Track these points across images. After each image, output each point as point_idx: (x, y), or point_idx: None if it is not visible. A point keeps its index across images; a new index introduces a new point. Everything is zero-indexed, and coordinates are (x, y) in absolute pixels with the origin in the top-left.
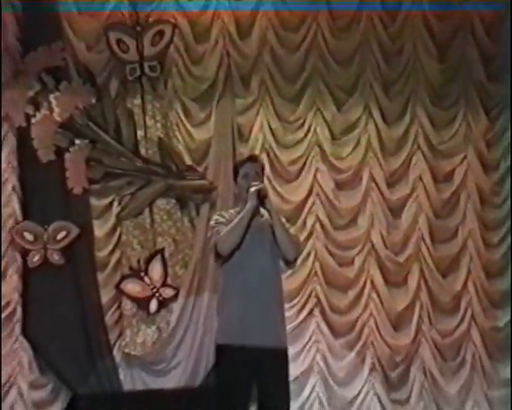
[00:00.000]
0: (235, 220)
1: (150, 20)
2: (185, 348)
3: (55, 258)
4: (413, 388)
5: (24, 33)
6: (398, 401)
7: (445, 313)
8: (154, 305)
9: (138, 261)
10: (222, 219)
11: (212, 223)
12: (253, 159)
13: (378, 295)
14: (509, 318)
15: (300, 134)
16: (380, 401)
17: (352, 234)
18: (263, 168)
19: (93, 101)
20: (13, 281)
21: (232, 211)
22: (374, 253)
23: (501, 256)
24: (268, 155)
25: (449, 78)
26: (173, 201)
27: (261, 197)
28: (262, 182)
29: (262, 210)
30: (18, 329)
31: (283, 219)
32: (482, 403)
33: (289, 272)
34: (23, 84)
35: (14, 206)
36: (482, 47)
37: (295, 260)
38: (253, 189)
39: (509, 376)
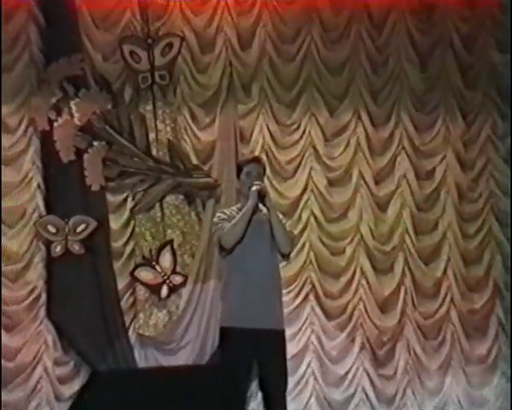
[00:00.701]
0: (238, 217)
1: (160, 33)
2: (193, 330)
3: (76, 248)
4: (398, 364)
5: (47, 46)
6: (385, 376)
7: (427, 297)
8: (164, 291)
9: (150, 251)
10: (224, 216)
11: (215, 220)
12: (256, 160)
13: (367, 282)
14: (484, 300)
15: (296, 136)
16: (369, 377)
17: (343, 226)
18: (264, 169)
19: (109, 107)
20: (38, 269)
21: (234, 208)
22: (363, 243)
23: (477, 245)
24: (267, 155)
25: (430, 85)
26: (181, 197)
27: (261, 196)
28: (263, 180)
29: (261, 206)
30: (43, 312)
31: (280, 216)
32: (460, 378)
33: (285, 263)
34: (46, 92)
35: (38, 201)
36: (460, 58)
37: (289, 254)
38: (254, 188)
39: (484, 350)
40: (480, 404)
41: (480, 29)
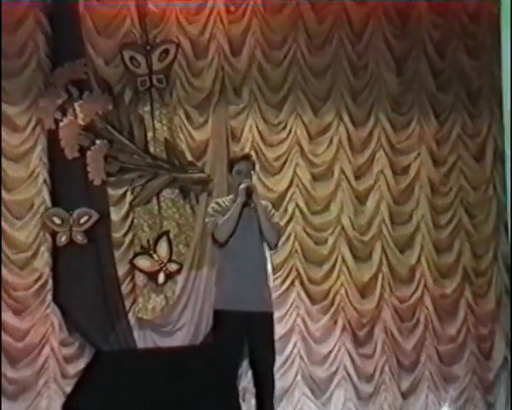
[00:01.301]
0: (228, 213)
1: (157, 40)
2: (188, 313)
3: (79, 238)
4: (377, 344)
5: (53, 52)
6: (364, 355)
7: (403, 282)
8: (161, 277)
9: (148, 241)
10: (218, 208)
11: (209, 210)
12: (246, 157)
13: (347, 269)
14: (454, 285)
15: (283, 135)
16: (350, 356)
17: (326, 218)
18: (254, 165)
19: (110, 108)
20: (44, 257)
21: (227, 198)
22: (344, 233)
23: (448, 235)
24: (256, 153)
25: (405, 88)
26: (177, 191)
27: (249, 193)
28: (251, 178)
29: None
30: (49, 297)
31: (267, 205)
32: (433, 356)
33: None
34: (52, 94)
35: (44, 195)
36: (432, 63)
37: (276, 245)
38: (242, 186)
39: (454, 331)
40: (451, 380)
41: (451, 36)
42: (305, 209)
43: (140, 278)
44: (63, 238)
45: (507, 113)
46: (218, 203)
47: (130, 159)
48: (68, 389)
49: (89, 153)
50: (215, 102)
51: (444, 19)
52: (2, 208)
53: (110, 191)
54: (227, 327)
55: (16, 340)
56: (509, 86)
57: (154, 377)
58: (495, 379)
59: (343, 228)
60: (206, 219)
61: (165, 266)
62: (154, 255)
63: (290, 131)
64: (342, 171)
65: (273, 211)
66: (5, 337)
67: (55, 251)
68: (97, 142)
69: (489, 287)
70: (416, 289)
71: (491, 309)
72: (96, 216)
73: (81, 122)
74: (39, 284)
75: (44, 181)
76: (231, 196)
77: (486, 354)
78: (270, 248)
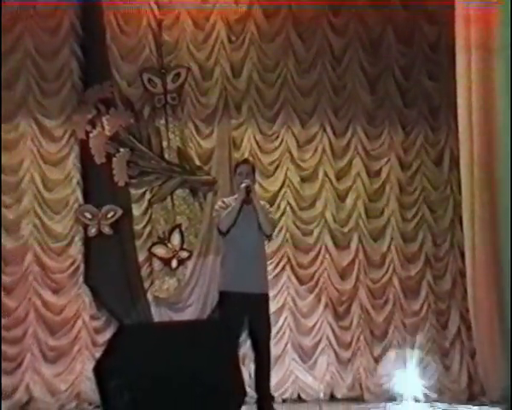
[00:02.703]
0: (230, 207)
1: (171, 65)
2: (196, 293)
3: (106, 230)
4: (353, 318)
5: (84, 75)
6: (343, 327)
7: (375, 267)
8: (174, 263)
9: (163, 232)
10: (223, 205)
11: (216, 207)
12: (246, 162)
13: (330, 255)
14: (418, 269)
15: (276, 144)
16: (331, 328)
17: (312, 213)
18: (253, 168)
19: (132, 121)
20: (77, 246)
21: (231, 198)
22: (327, 226)
23: (413, 227)
24: (253, 158)
25: (377, 105)
26: (187, 190)
27: (248, 191)
28: (252, 179)
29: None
30: (81, 279)
31: (264, 204)
32: (400, 327)
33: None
34: (84, 110)
35: (77, 194)
36: (399, 84)
37: (271, 235)
38: (242, 185)
39: (417, 307)
40: (415, 346)
41: (415, 62)
42: (294, 206)
43: (156, 264)
44: (93, 230)
45: (463, 127)
46: (223, 202)
47: (149, 164)
48: (98, 355)
49: (114, 159)
50: (219, 117)
51: (409, 48)
52: (44, 206)
53: (132, 191)
54: (229, 305)
55: (55, 314)
56: (465, 102)
57: (167, 345)
58: (450, 346)
59: (326, 221)
60: (214, 214)
61: (177, 253)
62: (169, 244)
63: (282, 140)
64: (325, 174)
65: (268, 207)
66: (46, 312)
67: (87, 241)
68: (121, 150)
69: (446, 270)
70: (386, 272)
71: (448, 289)
72: (120, 212)
73: (107, 133)
74: (73, 268)
75: (77, 182)
76: (235, 196)
77: (443, 326)
78: (267, 237)
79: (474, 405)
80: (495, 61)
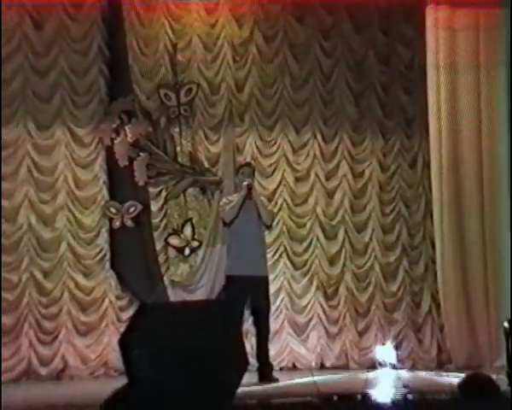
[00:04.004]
0: (233, 202)
1: (184, 81)
2: (206, 277)
3: (129, 223)
4: (341, 298)
5: (110, 91)
6: (332, 306)
7: (359, 254)
8: (187, 251)
9: (177, 225)
10: (227, 202)
11: (221, 203)
12: (248, 164)
13: (320, 245)
14: (396, 256)
15: (274, 149)
16: (321, 307)
17: (305, 209)
18: (254, 170)
19: (150, 130)
20: (104, 236)
21: (235, 195)
22: (318, 220)
23: (391, 221)
24: (254, 161)
25: (361, 116)
26: (198, 189)
27: (249, 188)
28: (253, 178)
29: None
30: (108, 264)
31: (263, 200)
32: (380, 306)
33: (267, 232)
34: (109, 120)
35: (104, 192)
36: (380, 98)
37: (271, 225)
38: (244, 183)
39: (395, 289)
40: (393, 323)
41: (393, 79)
42: (289, 202)
43: (171, 252)
44: (117, 223)
45: (434, 135)
46: (228, 199)
47: (164, 166)
48: (122, 330)
49: (135, 162)
50: (225, 126)
51: (387, 67)
52: (75, 202)
53: (150, 189)
54: (234, 286)
55: (85, 294)
56: (438, 112)
57: (181, 321)
58: (423, 322)
59: (317, 216)
60: (220, 209)
61: (189, 243)
62: (182, 235)
63: (279, 146)
64: (316, 175)
65: (267, 202)
66: (78, 293)
67: (112, 232)
68: (141, 154)
69: (419, 257)
70: (369, 259)
71: (421, 273)
72: (140, 207)
73: (130, 140)
74: (101, 255)
75: (104, 182)
76: (237, 194)
77: (417, 305)
78: (267, 228)
79: (443, 371)
80: (460, 78)
